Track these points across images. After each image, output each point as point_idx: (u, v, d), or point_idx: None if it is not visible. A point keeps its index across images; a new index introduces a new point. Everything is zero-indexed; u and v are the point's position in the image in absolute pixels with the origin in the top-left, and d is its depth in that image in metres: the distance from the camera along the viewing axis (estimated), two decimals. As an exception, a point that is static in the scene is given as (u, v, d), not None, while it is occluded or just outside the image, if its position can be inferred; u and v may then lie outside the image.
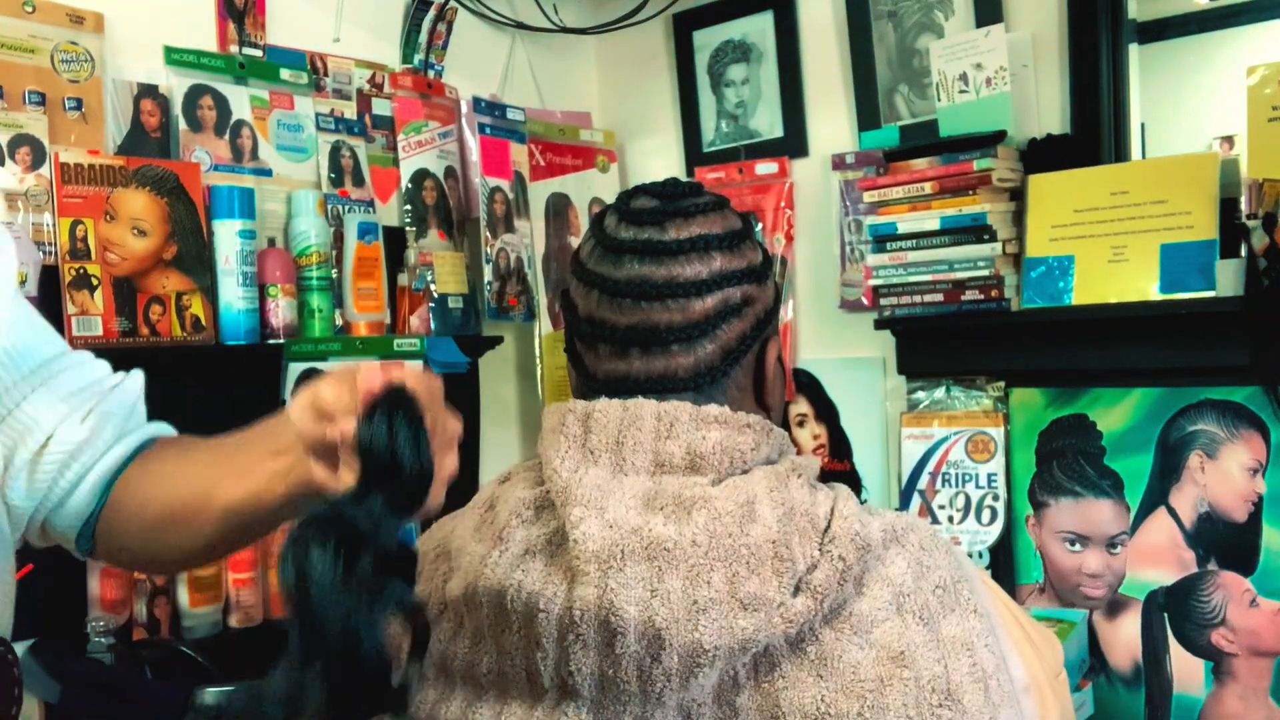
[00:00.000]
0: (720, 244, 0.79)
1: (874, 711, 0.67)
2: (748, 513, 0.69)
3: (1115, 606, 1.67)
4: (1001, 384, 1.81)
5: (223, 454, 0.85)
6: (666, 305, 0.77)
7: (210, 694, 1.35)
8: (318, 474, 0.73)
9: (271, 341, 1.70)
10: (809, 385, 2.06)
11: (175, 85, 1.67)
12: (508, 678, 0.71)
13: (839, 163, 2.01)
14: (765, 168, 2.12)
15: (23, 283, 1.43)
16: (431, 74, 2.03)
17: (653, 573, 0.67)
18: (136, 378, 0.92)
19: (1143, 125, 1.77)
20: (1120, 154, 1.73)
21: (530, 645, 0.69)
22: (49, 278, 1.49)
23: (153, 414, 0.98)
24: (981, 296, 1.71)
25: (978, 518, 1.80)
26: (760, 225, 2.11)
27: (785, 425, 0.82)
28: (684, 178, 1.74)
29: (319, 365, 1.74)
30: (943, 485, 1.84)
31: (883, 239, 1.79)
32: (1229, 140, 1.70)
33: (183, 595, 1.61)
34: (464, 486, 0.76)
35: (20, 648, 1.50)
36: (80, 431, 0.85)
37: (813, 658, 0.69)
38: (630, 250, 0.78)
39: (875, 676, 0.68)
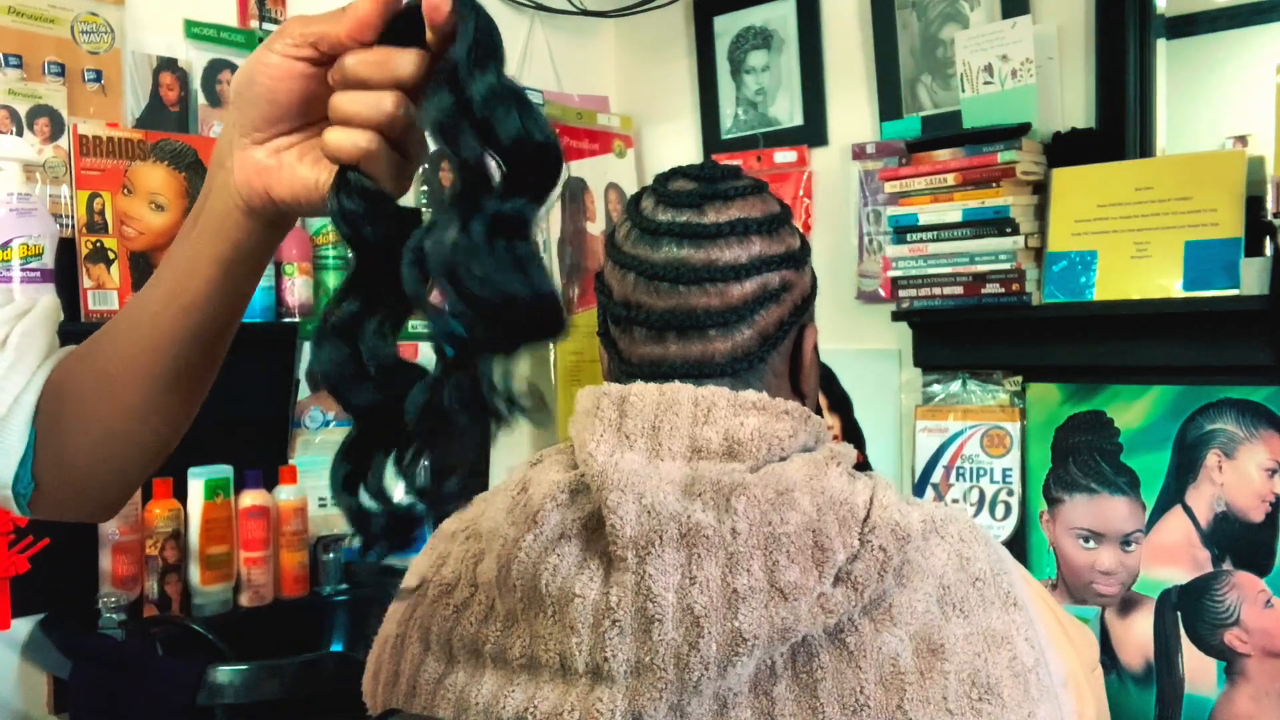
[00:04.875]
0: (759, 228, 0.78)
1: (913, 704, 0.66)
2: (787, 500, 0.68)
3: (1128, 604, 1.67)
4: (1019, 379, 1.80)
5: (146, 284, 0.71)
6: (704, 289, 0.76)
7: (222, 672, 1.35)
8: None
9: (287, 320, 1.69)
10: (824, 376, 2.05)
11: (195, 59, 1.66)
12: (540, 662, 0.70)
13: (859, 152, 2.00)
14: (784, 156, 2.10)
15: (40, 255, 1.42)
16: (450, 54, 2.01)
17: (691, 559, 0.67)
18: (50, 299, 0.79)
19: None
20: (1145, 149, 1.72)
21: (565, 630, 0.69)
22: (66, 251, 1.48)
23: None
24: (1002, 290, 1.70)
25: (991, 513, 1.79)
26: (778, 214, 2.10)
27: (818, 413, 0.81)
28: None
29: (333, 345, 1.73)
30: (957, 479, 1.83)
31: (903, 230, 1.78)
32: (1242, 139, 1.69)
33: (194, 573, 1.60)
34: (474, 468, 0.72)
35: (31, 622, 1.50)
36: (2, 359, 0.72)
37: (851, 648, 0.68)
38: (668, 233, 0.77)
39: (914, 669, 0.67)
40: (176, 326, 0.67)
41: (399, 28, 0.56)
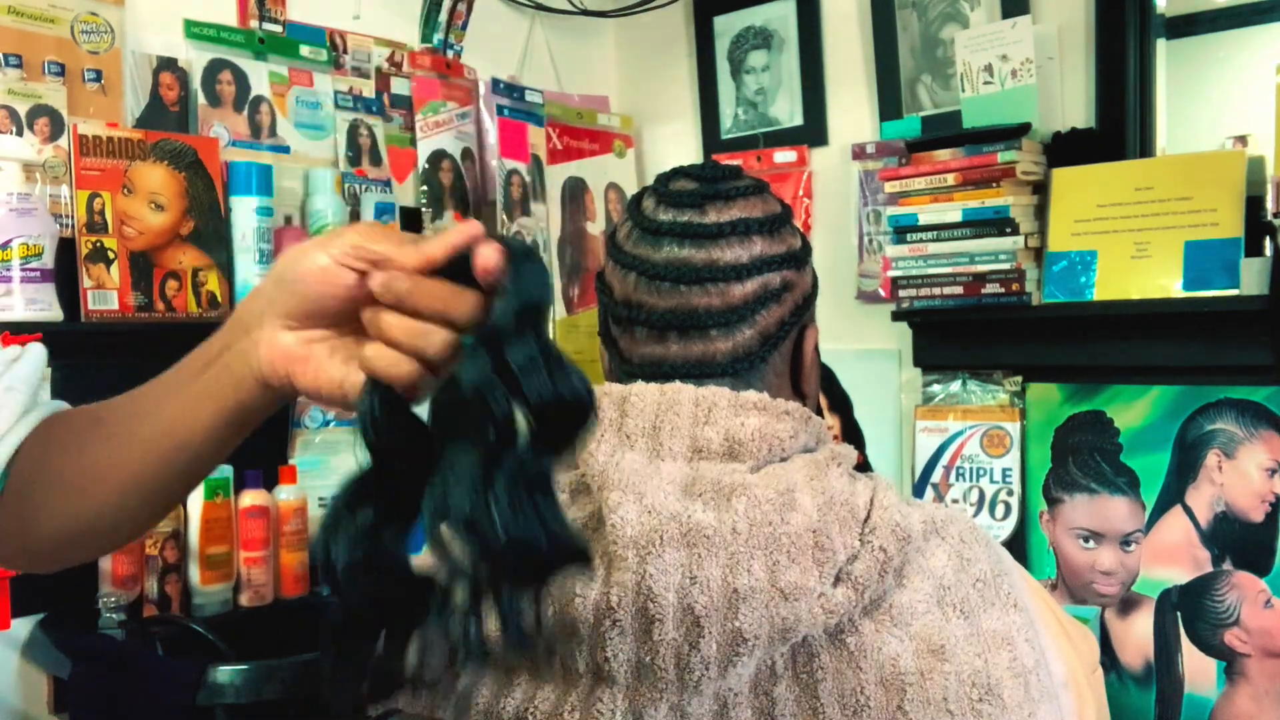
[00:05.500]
0: (760, 228, 0.78)
1: (913, 704, 0.66)
2: (788, 501, 0.68)
3: (1128, 604, 1.67)
4: (1019, 379, 1.80)
5: (143, 393, 0.71)
6: (705, 289, 0.76)
7: (222, 672, 1.35)
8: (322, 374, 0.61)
9: (287, 320, 1.69)
10: (824, 376, 2.05)
11: (194, 59, 1.66)
12: (541, 662, 0.70)
13: (859, 152, 2.00)
14: (784, 156, 2.10)
15: (40, 255, 1.42)
16: (450, 54, 2.01)
17: (692, 559, 0.67)
18: (38, 349, 0.79)
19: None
20: (1145, 149, 1.72)
21: (565, 630, 0.69)
22: (66, 251, 1.48)
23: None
24: (1002, 290, 1.70)
25: (991, 513, 1.80)
26: (778, 214, 2.10)
27: (818, 413, 0.81)
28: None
29: (333, 345, 1.73)
30: (956, 479, 1.83)
31: (903, 230, 1.78)
32: (1243, 139, 1.69)
33: (194, 573, 1.60)
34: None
35: (31, 622, 1.50)
36: None
37: (852, 649, 0.68)
38: (669, 233, 0.77)
39: (915, 669, 0.67)
40: (163, 461, 0.69)
41: (457, 260, 0.58)
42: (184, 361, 0.69)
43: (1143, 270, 1.63)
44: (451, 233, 0.59)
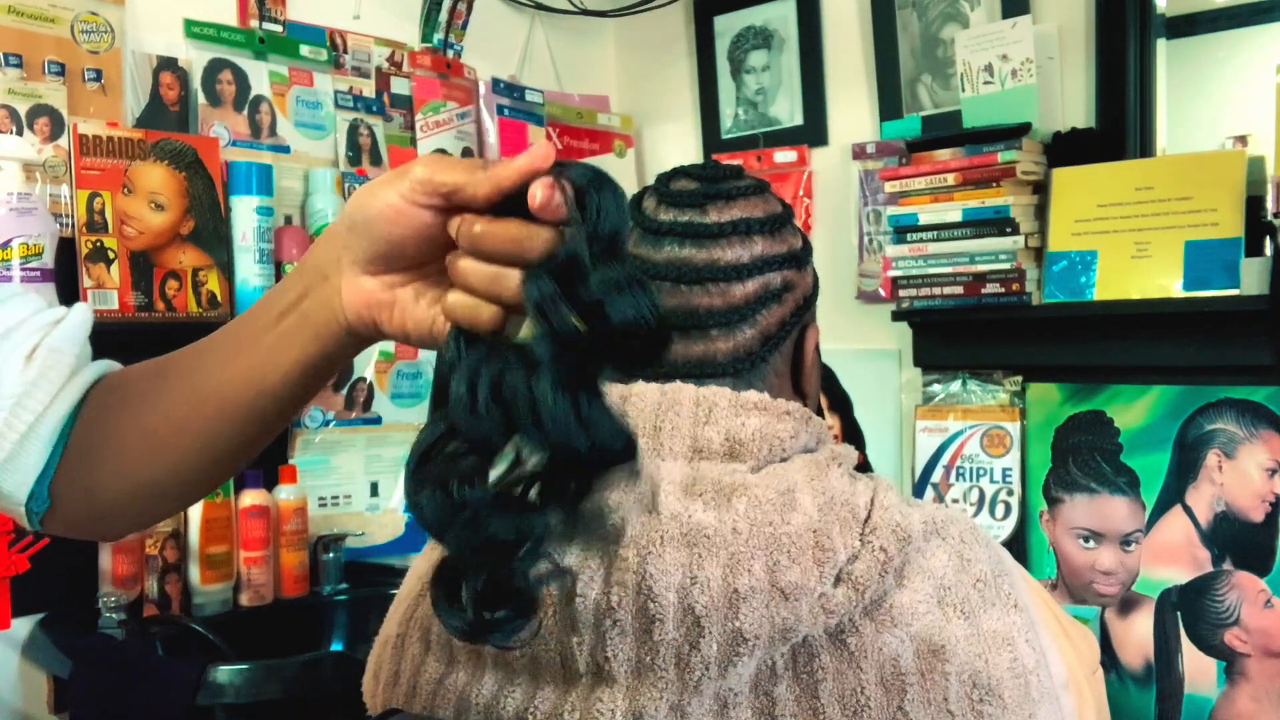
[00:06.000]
0: (761, 228, 0.78)
1: (913, 705, 0.66)
2: (788, 501, 0.69)
3: (1128, 604, 1.67)
4: (1019, 379, 1.80)
5: (210, 345, 0.69)
6: (706, 289, 0.76)
7: (222, 672, 1.35)
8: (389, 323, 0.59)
9: (287, 319, 1.69)
10: (824, 376, 2.05)
11: (195, 59, 1.66)
12: (541, 662, 0.70)
13: (859, 152, 2.00)
14: (784, 156, 2.10)
15: (40, 254, 1.42)
16: (450, 54, 2.01)
17: (692, 559, 0.67)
18: (81, 309, 0.76)
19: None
20: (1145, 149, 1.72)
21: (565, 629, 0.69)
22: (66, 250, 1.48)
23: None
24: (1002, 290, 1.70)
25: (991, 512, 1.80)
26: (778, 214, 2.11)
27: (819, 414, 0.81)
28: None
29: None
30: (957, 479, 1.83)
31: (903, 230, 1.78)
32: (1242, 139, 1.69)
33: (194, 572, 1.60)
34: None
35: (31, 622, 1.50)
36: (27, 372, 0.70)
37: (852, 649, 0.68)
38: (670, 233, 0.78)
39: (915, 669, 0.67)
40: (240, 411, 0.67)
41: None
42: (251, 312, 0.67)
43: (1143, 270, 1.63)
44: (523, 157, 0.56)
